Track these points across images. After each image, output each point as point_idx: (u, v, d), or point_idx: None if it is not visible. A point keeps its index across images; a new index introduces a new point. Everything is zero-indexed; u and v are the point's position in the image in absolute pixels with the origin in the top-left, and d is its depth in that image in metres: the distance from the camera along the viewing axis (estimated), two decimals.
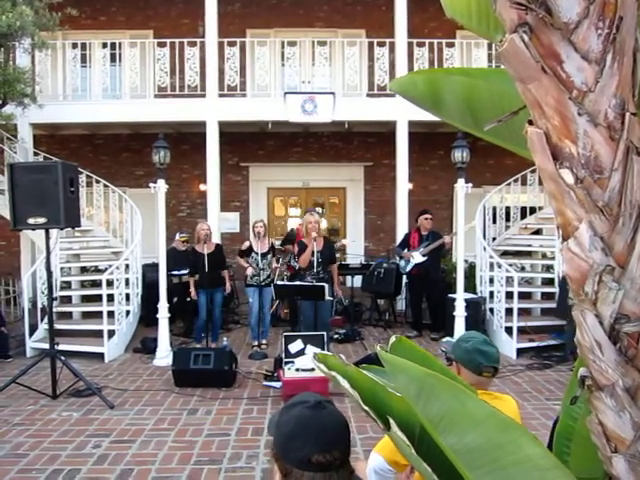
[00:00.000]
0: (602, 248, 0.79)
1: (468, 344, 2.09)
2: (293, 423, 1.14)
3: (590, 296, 0.81)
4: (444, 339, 2.51)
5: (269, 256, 7.04)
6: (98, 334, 6.64)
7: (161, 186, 6.37)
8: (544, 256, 8.63)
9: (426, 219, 7.59)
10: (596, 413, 0.86)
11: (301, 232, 7.67)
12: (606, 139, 0.78)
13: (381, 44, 9.08)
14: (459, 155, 6.38)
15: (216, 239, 7.87)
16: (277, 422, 1.19)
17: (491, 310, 7.18)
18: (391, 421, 0.98)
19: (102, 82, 9.13)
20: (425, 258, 7.36)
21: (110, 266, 7.11)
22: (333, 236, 10.59)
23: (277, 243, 8.57)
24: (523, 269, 8.55)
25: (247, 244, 7.07)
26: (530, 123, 0.83)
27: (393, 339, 1.20)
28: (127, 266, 7.26)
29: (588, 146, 0.78)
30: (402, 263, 7.63)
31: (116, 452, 3.95)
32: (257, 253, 6.88)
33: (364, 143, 11.16)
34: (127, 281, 7.24)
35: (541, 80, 0.78)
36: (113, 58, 9.25)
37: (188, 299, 7.30)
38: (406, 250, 7.63)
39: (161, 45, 9.02)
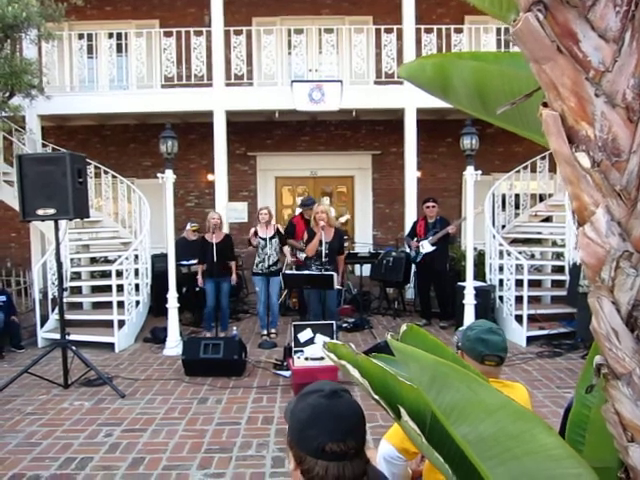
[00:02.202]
0: (619, 233, 0.77)
1: (472, 332, 2.08)
2: (308, 412, 1.14)
3: (607, 283, 0.79)
4: (460, 328, 2.49)
5: (274, 240, 7.03)
6: (108, 324, 6.68)
7: (169, 176, 6.37)
8: (554, 243, 8.58)
9: (427, 207, 7.53)
10: (612, 402, 0.84)
11: (298, 223, 7.67)
12: (624, 121, 0.75)
13: (388, 31, 8.99)
14: (468, 142, 6.32)
15: (225, 229, 7.87)
16: (292, 410, 1.18)
17: (501, 298, 7.15)
18: (402, 410, 0.97)
19: (109, 73, 9.11)
20: (434, 247, 7.32)
21: (119, 257, 7.14)
22: (340, 214, 10.52)
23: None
24: (533, 257, 8.49)
25: (253, 230, 7.08)
26: (545, 105, 0.81)
27: (404, 327, 1.19)
28: (136, 256, 7.28)
29: (605, 128, 0.76)
30: (412, 253, 7.60)
31: (127, 441, 3.99)
32: (263, 238, 6.90)
33: (372, 131, 11.10)
34: (136, 271, 7.26)
35: (557, 60, 0.76)
36: (119, 48, 9.22)
37: (197, 289, 7.32)
38: (415, 239, 7.59)
39: (167, 35, 8.98)
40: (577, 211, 0.81)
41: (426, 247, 7.36)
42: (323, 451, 1.09)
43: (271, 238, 6.97)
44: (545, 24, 0.74)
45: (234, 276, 7.19)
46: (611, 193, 0.77)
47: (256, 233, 6.99)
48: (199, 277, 7.07)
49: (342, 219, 8.89)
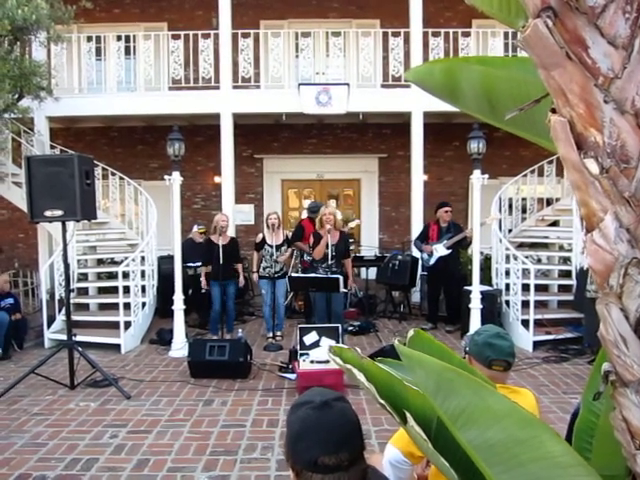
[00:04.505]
0: (628, 240, 0.77)
1: (479, 337, 2.08)
2: (298, 425, 1.14)
3: (615, 289, 0.79)
4: (468, 333, 2.48)
5: (283, 248, 7.01)
6: (114, 325, 6.71)
7: (176, 178, 6.39)
8: (561, 248, 8.54)
9: (446, 212, 7.51)
10: (620, 409, 0.84)
11: (307, 226, 7.64)
12: (633, 127, 0.75)
13: (396, 34, 8.99)
14: (475, 146, 6.30)
15: (231, 231, 7.89)
16: (286, 421, 1.18)
17: (507, 303, 7.12)
18: (408, 415, 0.97)
19: (117, 75, 9.16)
20: (450, 251, 7.30)
21: (126, 258, 7.17)
22: (348, 219, 10.48)
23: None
24: (539, 261, 8.46)
25: (260, 236, 7.07)
26: (553, 111, 0.81)
27: (411, 333, 1.18)
28: (143, 258, 7.31)
29: (614, 135, 0.75)
30: (425, 256, 7.56)
31: (133, 442, 4.00)
32: (271, 246, 6.87)
33: (379, 134, 11.10)
34: (143, 273, 7.29)
35: (565, 67, 0.76)
36: (127, 51, 9.27)
37: (203, 290, 7.34)
38: (425, 243, 7.57)
39: (175, 37, 9.03)
40: (585, 217, 0.81)
41: (440, 251, 7.34)
42: (316, 464, 1.08)
43: (280, 246, 6.94)
44: (554, 30, 0.74)
45: (241, 278, 7.18)
46: (620, 200, 0.77)
47: (264, 240, 6.96)
48: (202, 279, 7.09)
49: (352, 224, 8.88)
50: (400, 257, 8.18)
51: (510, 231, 8.92)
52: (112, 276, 7.77)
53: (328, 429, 1.11)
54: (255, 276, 7.22)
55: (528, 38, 0.77)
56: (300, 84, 8.69)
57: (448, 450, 0.99)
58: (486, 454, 0.88)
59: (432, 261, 7.44)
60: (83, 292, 8.03)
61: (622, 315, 0.79)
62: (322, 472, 1.08)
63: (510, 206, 8.99)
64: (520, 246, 8.46)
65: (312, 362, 5.08)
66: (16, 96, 7.39)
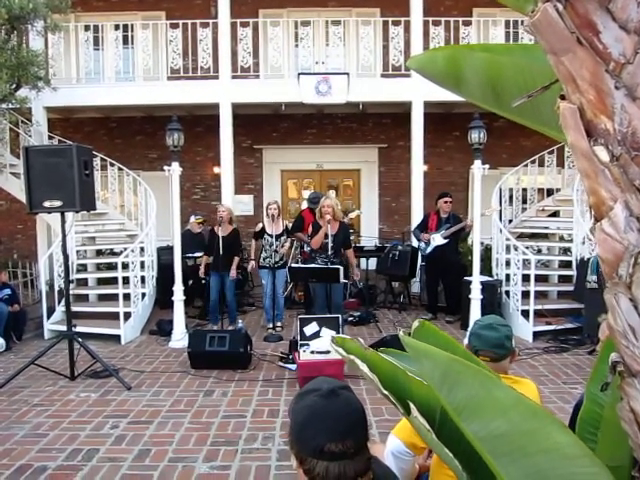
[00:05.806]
0: (639, 229, 0.76)
1: (475, 327, 2.12)
2: (305, 412, 1.13)
3: (624, 279, 0.78)
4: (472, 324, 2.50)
5: (282, 238, 7.00)
6: (114, 316, 6.70)
7: (175, 169, 6.37)
8: (561, 238, 8.54)
9: (446, 202, 7.50)
10: (628, 400, 0.83)
11: (307, 217, 7.59)
12: None
13: (396, 23, 8.93)
14: (476, 136, 6.26)
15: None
16: (291, 410, 1.18)
17: (507, 293, 7.12)
18: (411, 406, 0.96)
19: (115, 65, 9.10)
20: (446, 240, 7.30)
21: (125, 249, 7.16)
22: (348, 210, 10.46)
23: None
24: (540, 252, 8.46)
25: (260, 226, 7.05)
26: (562, 98, 0.79)
27: (416, 323, 1.18)
28: (142, 249, 7.30)
29: (625, 122, 0.74)
30: (422, 245, 7.58)
31: (134, 433, 4.00)
32: (271, 235, 6.87)
33: (379, 124, 11.06)
34: (142, 264, 7.28)
35: (576, 52, 0.74)
36: (125, 40, 9.20)
37: (203, 281, 7.33)
38: (424, 233, 7.57)
39: (173, 27, 8.95)
40: (594, 206, 0.79)
41: (437, 240, 7.34)
42: (322, 452, 1.08)
43: (279, 236, 6.93)
44: (564, 15, 0.72)
45: (233, 272, 6.95)
46: (630, 188, 0.75)
47: (263, 229, 6.94)
48: (201, 268, 7.08)
49: (352, 214, 8.85)
50: (400, 247, 8.17)
51: (510, 221, 8.92)
52: (111, 267, 7.76)
53: (335, 417, 1.11)
54: (252, 264, 7.18)
55: (537, 23, 0.75)
56: (300, 74, 8.64)
57: (452, 441, 0.99)
58: (491, 445, 0.88)
59: (429, 250, 7.45)
60: (82, 283, 8.02)
61: (631, 305, 0.78)
62: (327, 459, 1.08)
63: (510, 196, 8.99)
64: (520, 236, 8.46)
65: (312, 353, 5.08)
66: (13, 86, 7.33)
